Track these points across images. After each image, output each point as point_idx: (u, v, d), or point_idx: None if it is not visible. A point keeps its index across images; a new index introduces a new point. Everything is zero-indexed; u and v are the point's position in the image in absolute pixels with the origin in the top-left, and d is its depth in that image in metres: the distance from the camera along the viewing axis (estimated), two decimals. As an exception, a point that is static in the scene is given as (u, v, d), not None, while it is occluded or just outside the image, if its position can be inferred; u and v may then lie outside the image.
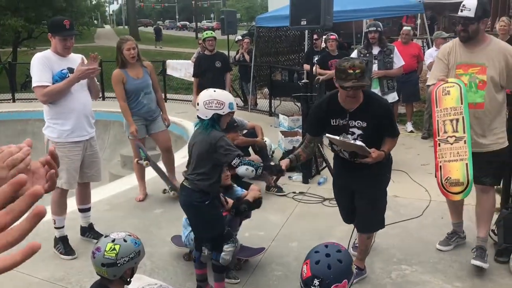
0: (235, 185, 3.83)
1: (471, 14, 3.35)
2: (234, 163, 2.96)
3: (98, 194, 5.23)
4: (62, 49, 3.78)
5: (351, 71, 2.88)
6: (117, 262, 2.35)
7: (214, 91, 3.05)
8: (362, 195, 3.31)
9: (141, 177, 5.31)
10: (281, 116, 8.71)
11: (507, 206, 3.98)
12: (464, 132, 3.24)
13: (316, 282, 1.93)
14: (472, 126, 3.39)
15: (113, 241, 2.39)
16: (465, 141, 3.23)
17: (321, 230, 4.22)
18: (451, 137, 3.27)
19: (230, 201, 3.47)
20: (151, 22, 53.31)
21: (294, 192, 5.36)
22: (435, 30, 11.51)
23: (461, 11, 3.41)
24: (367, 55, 6.10)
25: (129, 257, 2.38)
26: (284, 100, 10.25)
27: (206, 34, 7.17)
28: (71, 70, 3.75)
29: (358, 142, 2.99)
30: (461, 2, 3.45)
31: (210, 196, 3.07)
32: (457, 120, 3.27)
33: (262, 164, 3.21)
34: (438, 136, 3.33)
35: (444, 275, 3.53)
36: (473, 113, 3.40)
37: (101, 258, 2.36)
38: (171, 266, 3.76)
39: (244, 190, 3.74)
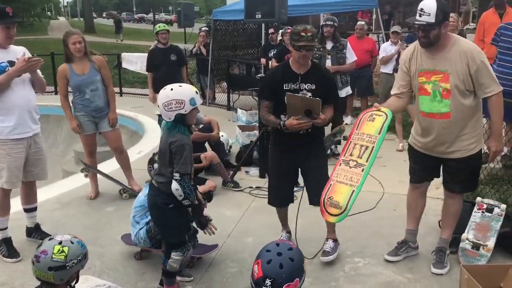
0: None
1: (431, 19, 3.04)
2: (175, 176, 2.84)
3: (46, 192, 5.04)
4: (4, 39, 3.58)
5: (304, 34, 3.30)
6: (66, 264, 2.25)
7: (171, 89, 2.84)
8: (314, 169, 3.60)
9: (93, 174, 5.14)
10: (239, 111, 8.67)
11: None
12: (366, 161, 3.15)
13: (268, 282, 1.89)
14: (439, 136, 3.28)
15: (60, 243, 2.29)
16: (363, 170, 3.13)
17: (277, 224, 4.19)
18: (353, 161, 3.19)
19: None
20: (117, 15, 51.37)
21: (251, 187, 5.33)
22: (392, 25, 11.75)
23: (420, 15, 3.08)
24: (321, 49, 6.13)
25: (77, 259, 2.30)
26: (242, 94, 10.21)
27: (159, 27, 7.05)
28: (11, 63, 3.56)
29: (317, 98, 3.33)
30: None
31: (175, 201, 2.92)
32: (367, 148, 3.18)
33: (192, 204, 2.96)
34: (343, 156, 3.25)
35: (396, 267, 3.59)
36: (440, 123, 3.24)
37: (49, 261, 2.24)
38: (121, 266, 3.65)
39: (198, 185, 3.67)
